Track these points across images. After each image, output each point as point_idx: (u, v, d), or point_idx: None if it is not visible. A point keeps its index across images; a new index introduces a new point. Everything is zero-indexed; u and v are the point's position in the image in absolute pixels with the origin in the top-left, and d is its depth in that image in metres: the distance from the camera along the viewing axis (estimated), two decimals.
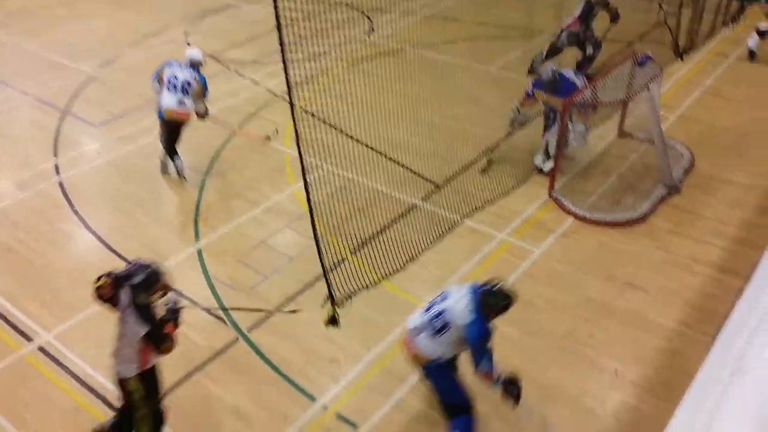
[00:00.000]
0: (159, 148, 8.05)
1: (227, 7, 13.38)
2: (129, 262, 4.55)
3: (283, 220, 7.26)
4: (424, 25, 11.64)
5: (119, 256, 6.76)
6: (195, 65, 7.84)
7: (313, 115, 7.07)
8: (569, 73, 7.68)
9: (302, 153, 4.94)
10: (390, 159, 7.94)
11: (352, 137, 7.83)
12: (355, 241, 6.62)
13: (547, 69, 7.54)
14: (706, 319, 5.68)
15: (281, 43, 4.60)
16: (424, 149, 8.10)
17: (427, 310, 4.52)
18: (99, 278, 4.28)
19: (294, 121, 5.11)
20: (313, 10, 5.80)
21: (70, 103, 9.78)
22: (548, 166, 7.68)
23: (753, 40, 10.41)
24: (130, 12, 13.29)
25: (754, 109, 9.03)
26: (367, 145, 7.91)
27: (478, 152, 8.04)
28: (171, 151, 7.92)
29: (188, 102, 7.63)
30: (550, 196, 7.40)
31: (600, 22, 9.70)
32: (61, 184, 7.96)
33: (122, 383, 4.38)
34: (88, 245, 7.02)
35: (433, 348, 4.44)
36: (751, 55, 10.47)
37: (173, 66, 7.71)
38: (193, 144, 8.71)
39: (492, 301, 4.33)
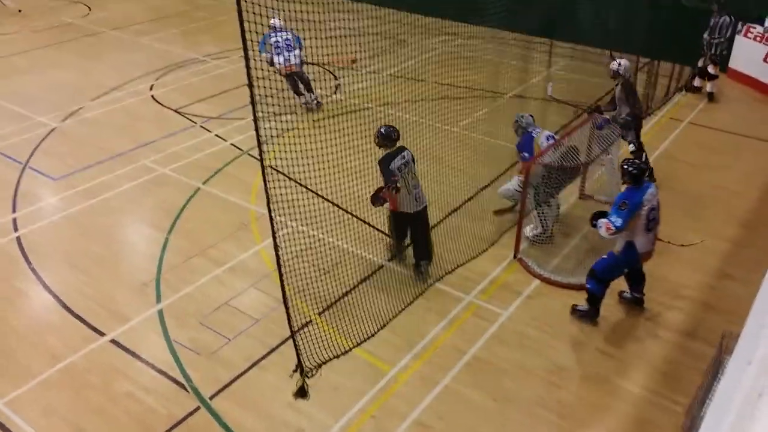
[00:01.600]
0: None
1: (193, 62, 13.41)
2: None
3: (247, 279, 7.13)
4: (389, 85, 11.84)
5: (77, 316, 6.53)
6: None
7: (279, 172, 7.05)
8: (538, 132, 7.69)
9: (272, 212, 4.88)
10: (356, 217, 7.94)
11: (318, 194, 7.81)
12: (322, 303, 6.53)
13: (521, 118, 7.73)
14: (675, 386, 5.72)
15: (252, 102, 4.57)
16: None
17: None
18: None
19: (264, 179, 5.06)
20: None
21: (30, 155, 9.56)
22: (531, 231, 7.76)
23: (711, 84, 11.66)
24: (94, 64, 13.21)
25: (709, 171, 9.36)
26: (333, 203, 7.90)
27: (443, 213, 8.10)
28: (297, 92, 10.76)
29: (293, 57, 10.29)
30: (515, 257, 7.47)
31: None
32: (18, 240, 7.70)
33: None
34: (45, 305, 6.77)
35: None
36: (710, 96, 11.71)
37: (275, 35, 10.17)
38: (157, 200, 8.59)
39: None
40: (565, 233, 7.91)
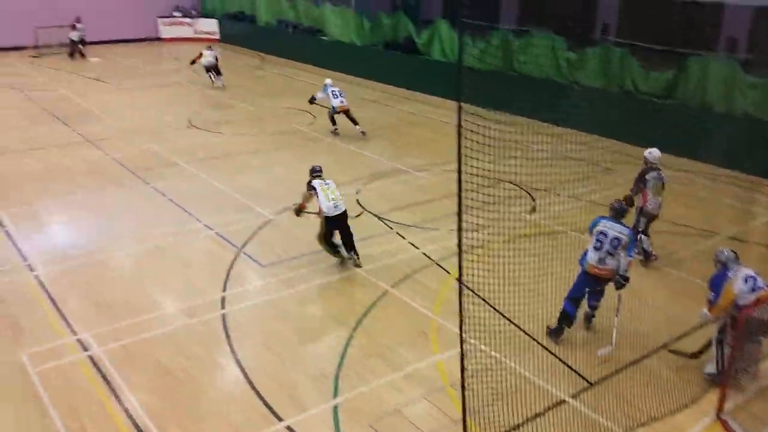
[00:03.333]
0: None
1: (398, 172, 14.28)
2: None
3: (421, 389, 7.09)
4: (589, 211, 11.57)
5: (260, 396, 6.92)
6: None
7: (470, 289, 7.08)
8: (735, 271, 6.98)
9: (463, 331, 4.88)
10: (541, 345, 7.65)
11: (504, 316, 7.69)
12: (495, 429, 6.25)
13: (721, 252, 7.19)
14: None
15: (459, 212, 4.76)
16: (578, 339, 7.72)
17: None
18: None
19: (460, 295, 5.11)
20: (481, 183, 5.97)
21: (246, 242, 10.66)
22: (709, 369, 7.08)
23: None
24: (309, 166, 14.58)
25: None
26: (519, 327, 7.71)
27: (639, 353, 7.51)
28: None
29: (610, 261, 7.58)
30: (718, 417, 6.61)
31: None
32: (223, 317, 8.48)
33: None
34: (235, 380, 7.28)
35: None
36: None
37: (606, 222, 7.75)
38: (347, 297, 9.03)
39: None
40: None
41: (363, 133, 16.70)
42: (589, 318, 8.11)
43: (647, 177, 9.62)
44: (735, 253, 7.19)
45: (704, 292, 7.15)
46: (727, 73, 14.86)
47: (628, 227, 7.76)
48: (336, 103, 16.44)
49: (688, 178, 12.82)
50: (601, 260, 7.53)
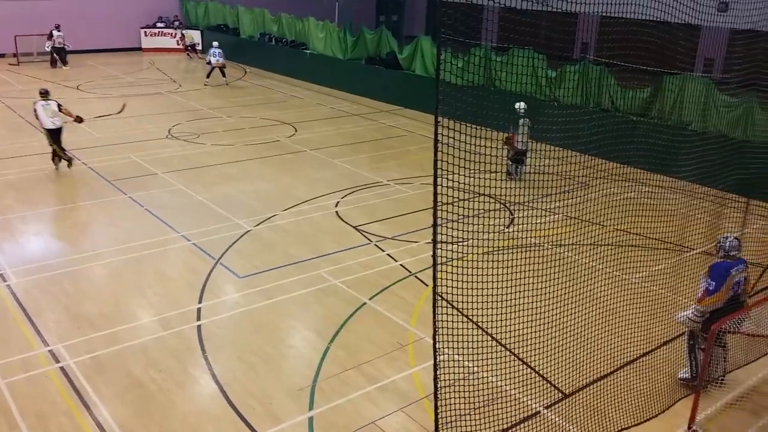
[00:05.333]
0: None
1: (377, 185, 14.33)
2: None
3: (397, 401, 7.09)
4: (565, 225, 11.70)
5: (235, 410, 6.85)
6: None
7: (446, 300, 7.11)
8: (738, 268, 7.05)
9: (437, 341, 4.90)
10: (516, 356, 7.67)
11: (480, 326, 7.71)
12: None
13: (725, 240, 7.14)
14: None
15: (434, 224, 4.79)
16: (553, 351, 7.75)
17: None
18: None
19: (434, 306, 5.13)
20: (459, 196, 6.03)
21: (223, 253, 10.60)
22: (683, 374, 7.19)
23: None
24: (290, 178, 14.62)
25: None
26: (494, 338, 7.73)
27: (613, 366, 7.57)
28: None
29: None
30: (689, 428, 6.68)
31: None
32: (199, 328, 8.41)
33: None
34: (209, 392, 7.21)
35: None
36: None
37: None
38: (325, 309, 9.01)
39: None
40: (753, 411, 6.99)
41: (227, 83, 24.49)
42: None
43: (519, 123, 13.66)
44: (738, 240, 7.17)
45: (694, 291, 7.16)
46: (702, 93, 15.19)
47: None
48: (213, 61, 23.80)
49: (662, 194, 13.01)
50: None
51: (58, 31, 26.98)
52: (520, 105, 13.97)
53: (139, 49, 31.90)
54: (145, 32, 31.91)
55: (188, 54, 29.61)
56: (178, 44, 30.82)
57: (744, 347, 7.72)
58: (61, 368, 7.52)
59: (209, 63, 24.22)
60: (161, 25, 32.53)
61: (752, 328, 7.83)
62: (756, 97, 13.98)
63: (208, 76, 24.49)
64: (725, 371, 7.36)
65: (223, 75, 24.53)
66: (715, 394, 7.23)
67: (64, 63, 27.10)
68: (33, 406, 6.84)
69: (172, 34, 32.14)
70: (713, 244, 9.27)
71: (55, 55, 27.03)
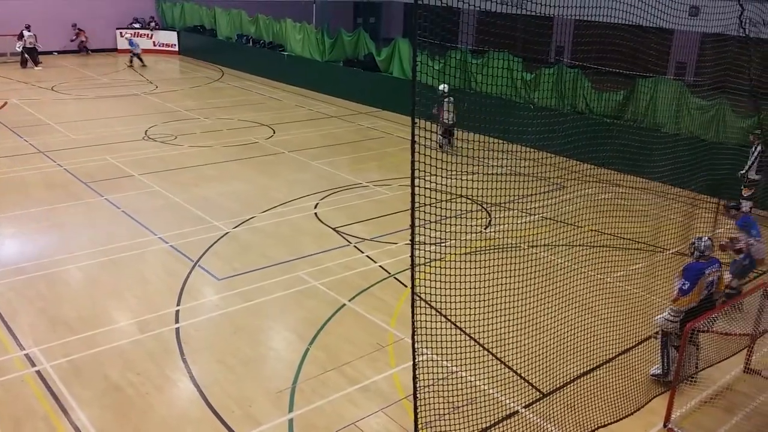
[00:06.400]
0: None
1: (356, 186, 14.35)
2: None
3: (378, 402, 7.12)
4: (542, 226, 11.84)
5: (215, 412, 6.83)
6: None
7: (425, 301, 7.17)
8: (712, 268, 7.25)
9: (415, 342, 4.95)
10: (494, 356, 7.75)
11: (458, 327, 7.78)
12: None
13: (699, 240, 7.29)
14: None
15: (412, 226, 4.83)
16: (531, 351, 7.85)
17: None
18: None
19: (413, 306, 5.18)
20: (437, 197, 6.09)
21: (201, 255, 10.55)
22: (655, 371, 7.35)
23: None
24: (269, 180, 14.58)
25: None
26: (473, 338, 7.80)
27: (590, 365, 7.69)
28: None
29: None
30: (665, 426, 6.82)
31: None
32: (177, 331, 8.37)
33: None
34: (189, 396, 7.17)
35: None
36: None
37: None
38: (305, 311, 9.01)
39: None
40: (727, 408, 7.15)
41: (139, 66, 28.20)
42: None
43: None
44: (711, 241, 7.34)
45: (668, 291, 7.27)
46: (675, 96, 15.48)
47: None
48: (137, 50, 28.09)
49: (636, 195, 13.22)
50: None
51: (29, 31, 26.58)
52: (444, 87, 15.79)
53: (115, 50, 31.56)
54: (121, 33, 31.57)
55: (131, 60, 28.46)
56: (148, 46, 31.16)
57: (717, 346, 7.88)
58: (38, 372, 7.43)
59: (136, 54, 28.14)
60: (137, 26, 32.21)
61: (725, 327, 8.01)
62: (727, 100, 14.30)
63: (130, 62, 28.11)
64: (697, 369, 7.51)
65: (140, 61, 28.42)
66: (690, 392, 7.38)
67: (36, 63, 26.73)
68: (9, 411, 6.75)
69: (147, 35, 31.85)
70: (686, 244, 9.48)
71: (26, 55, 26.65)
